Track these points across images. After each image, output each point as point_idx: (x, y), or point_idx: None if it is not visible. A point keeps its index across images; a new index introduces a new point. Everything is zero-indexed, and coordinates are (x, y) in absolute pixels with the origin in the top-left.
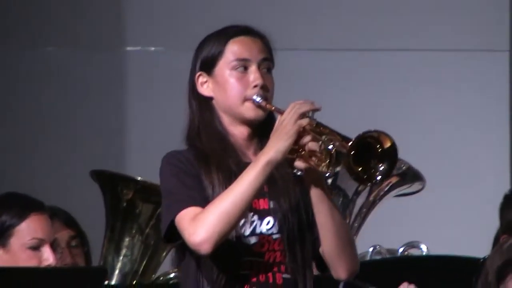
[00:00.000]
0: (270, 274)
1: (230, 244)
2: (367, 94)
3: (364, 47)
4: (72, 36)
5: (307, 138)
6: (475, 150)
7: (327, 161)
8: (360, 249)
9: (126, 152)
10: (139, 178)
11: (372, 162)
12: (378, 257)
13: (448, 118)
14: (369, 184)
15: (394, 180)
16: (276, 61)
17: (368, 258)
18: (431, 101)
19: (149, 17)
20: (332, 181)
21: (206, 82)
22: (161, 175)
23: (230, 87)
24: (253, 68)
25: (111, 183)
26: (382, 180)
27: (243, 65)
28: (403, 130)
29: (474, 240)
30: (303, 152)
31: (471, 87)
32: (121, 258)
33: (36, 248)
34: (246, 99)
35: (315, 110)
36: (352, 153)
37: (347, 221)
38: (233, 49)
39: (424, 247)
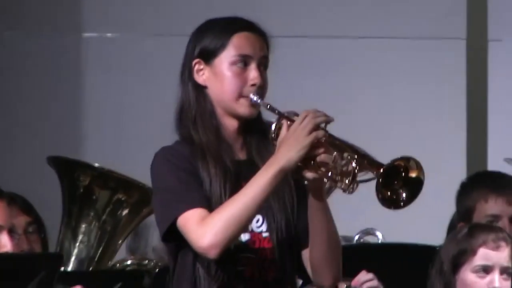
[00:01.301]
0: (261, 272)
1: None
2: (323, 82)
3: (320, 34)
4: (27, 21)
5: (320, 150)
6: (431, 139)
7: (347, 180)
8: None
9: (83, 138)
10: (96, 165)
11: (396, 185)
12: None
13: (404, 106)
14: (394, 208)
15: None
16: None
17: None
18: (388, 90)
19: (105, 3)
20: None
21: (202, 70)
22: (155, 171)
23: (228, 81)
24: (253, 66)
25: (68, 169)
26: (405, 206)
27: (244, 61)
28: (360, 118)
29: (430, 228)
30: (312, 162)
31: (428, 76)
32: (77, 244)
33: None
34: (242, 96)
35: (329, 122)
36: (381, 177)
37: None
38: (237, 44)
39: (379, 234)
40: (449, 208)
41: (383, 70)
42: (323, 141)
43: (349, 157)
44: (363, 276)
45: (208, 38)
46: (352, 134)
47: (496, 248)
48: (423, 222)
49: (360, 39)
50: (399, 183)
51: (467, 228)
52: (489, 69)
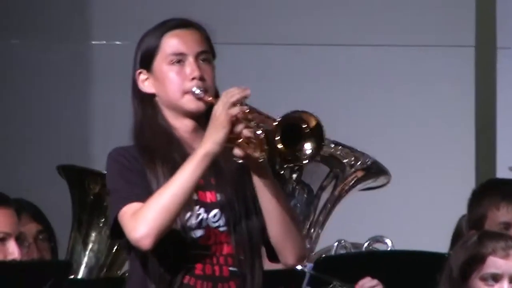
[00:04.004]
0: (217, 267)
1: (175, 237)
2: (332, 88)
3: (329, 42)
4: (36, 29)
5: (240, 126)
6: (441, 146)
7: (258, 146)
8: (325, 244)
9: (92, 146)
10: (105, 172)
11: (299, 143)
12: (343, 251)
13: (414, 113)
14: (297, 165)
15: (359, 174)
16: (231, 55)
17: (333, 252)
18: (398, 97)
19: (115, 11)
20: (297, 176)
21: (147, 79)
22: (107, 173)
23: (169, 81)
24: (190, 61)
25: (78, 178)
26: (310, 161)
27: (180, 59)
28: (369, 125)
29: (439, 236)
30: (240, 141)
31: (437, 83)
32: (87, 252)
33: (1, 242)
34: (185, 92)
35: (245, 97)
36: (278, 133)
37: (312, 217)
38: (169, 43)
39: (389, 242)
40: (458, 216)
41: (392, 78)
42: (240, 116)
43: (254, 124)
44: (367, 282)
45: (143, 46)
46: (361, 141)
47: (506, 256)
48: (433, 230)
49: (369, 47)
50: (302, 140)
51: (476, 236)
52: (497, 76)
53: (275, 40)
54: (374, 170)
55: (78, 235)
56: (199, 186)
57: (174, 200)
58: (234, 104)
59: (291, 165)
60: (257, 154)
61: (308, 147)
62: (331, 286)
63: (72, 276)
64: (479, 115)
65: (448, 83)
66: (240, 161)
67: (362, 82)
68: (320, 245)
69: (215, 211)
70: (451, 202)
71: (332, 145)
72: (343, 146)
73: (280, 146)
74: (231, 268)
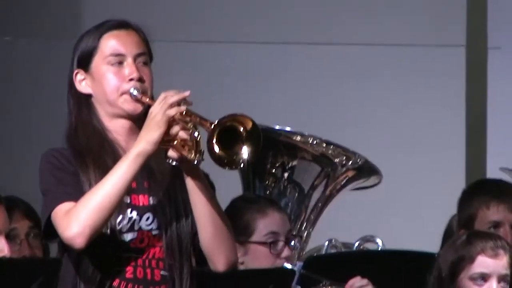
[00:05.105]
0: (148, 270)
1: (106, 240)
2: (322, 87)
3: (318, 41)
4: (35, 27)
5: (176, 128)
6: (431, 146)
7: (194, 148)
8: (315, 243)
9: None
10: None
11: (236, 146)
12: (333, 250)
13: (405, 113)
14: (233, 169)
15: (350, 174)
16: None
17: (323, 251)
18: (387, 96)
19: (112, 8)
20: (288, 175)
21: (84, 79)
22: (39, 173)
23: (107, 81)
24: (128, 62)
25: None
26: (248, 163)
27: (119, 60)
28: (360, 125)
29: (430, 235)
30: (175, 142)
31: (427, 82)
32: None
33: None
34: (123, 93)
35: (184, 98)
36: (214, 135)
37: (303, 216)
38: (108, 44)
39: (379, 241)
40: (449, 216)
41: (382, 76)
42: (177, 118)
43: (191, 126)
44: (357, 281)
45: (81, 46)
46: (351, 141)
47: (494, 256)
48: (423, 230)
49: (360, 46)
50: (239, 144)
51: (465, 236)
52: (488, 76)
53: (268, 39)
54: (366, 170)
55: None
56: (132, 189)
57: (106, 199)
58: (172, 106)
59: (227, 168)
60: (192, 156)
61: (244, 150)
62: (321, 285)
63: None
64: (469, 115)
65: (439, 83)
66: (174, 163)
67: (352, 81)
68: (311, 244)
69: (147, 214)
70: (441, 202)
71: (324, 144)
72: (335, 145)
73: (216, 148)
74: (162, 272)
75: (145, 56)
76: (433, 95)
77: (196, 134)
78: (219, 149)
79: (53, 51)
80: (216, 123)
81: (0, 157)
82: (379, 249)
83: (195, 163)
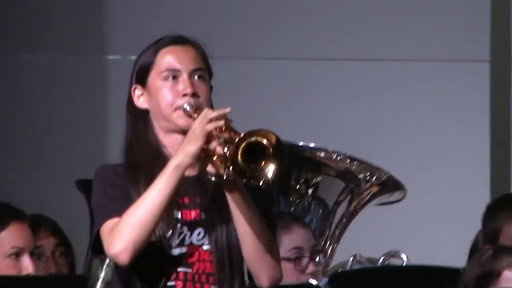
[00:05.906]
0: (198, 285)
1: (156, 255)
2: (347, 103)
3: (343, 57)
4: (52, 43)
5: (214, 144)
6: (456, 161)
7: (223, 163)
8: (340, 258)
9: (109, 160)
10: None
11: (261, 162)
12: (358, 266)
13: (429, 128)
14: (254, 184)
15: (374, 189)
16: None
17: (348, 267)
18: (413, 112)
19: (130, 26)
20: (312, 191)
21: (142, 95)
22: (92, 190)
23: (161, 97)
24: (183, 77)
25: None
26: (274, 180)
27: (174, 75)
28: (384, 140)
29: (455, 250)
30: (215, 158)
31: (452, 97)
32: (105, 267)
33: (15, 257)
34: (177, 108)
35: (224, 115)
36: (238, 148)
37: (327, 232)
38: (164, 59)
39: (404, 257)
40: (474, 231)
41: (407, 92)
42: (215, 133)
43: (223, 141)
44: None
45: (139, 62)
46: (376, 156)
47: None
48: (448, 245)
49: (385, 62)
50: (264, 160)
51: (491, 251)
52: None
53: (293, 55)
54: (390, 185)
55: None
56: (184, 205)
57: (148, 213)
58: (211, 120)
59: (246, 181)
60: (222, 171)
61: (269, 168)
62: None
63: None
64: (494, 130)
65: (463, 98)
66: (213, 178)
67: (377, 97)
68: (336, 260)
69: (199, 229)
70: (466, 216)
71: (348, 160)
72: (359, 160)
73: (239, 160)
74: (212, 287)
75: (202, 71)
76: (458, 110)
77: (226, 149)
78: (242, 161)
79: (74, 65)
80: (242, 136)
81: (30, 177)
82: (404, 264)
83: (224, 178)
